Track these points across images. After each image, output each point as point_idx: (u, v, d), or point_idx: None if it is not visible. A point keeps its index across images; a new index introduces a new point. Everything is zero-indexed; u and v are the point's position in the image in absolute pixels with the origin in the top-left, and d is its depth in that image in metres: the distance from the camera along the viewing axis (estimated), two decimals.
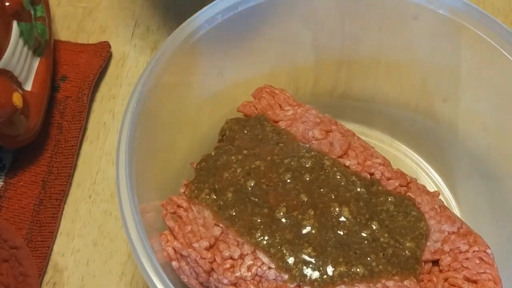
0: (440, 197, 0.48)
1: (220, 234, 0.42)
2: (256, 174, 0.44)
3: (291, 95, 0.50)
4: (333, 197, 0.43)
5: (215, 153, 0.46)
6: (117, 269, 0.50)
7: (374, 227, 0.42)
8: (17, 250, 0.47)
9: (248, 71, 0.50)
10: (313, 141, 0.46)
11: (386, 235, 0.42)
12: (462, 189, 0.52)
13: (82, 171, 0.55)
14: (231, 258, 0.41)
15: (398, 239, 0.42)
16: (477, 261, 0.42)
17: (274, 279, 0.40)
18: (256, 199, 0.43)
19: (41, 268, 0.50)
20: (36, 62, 0.55)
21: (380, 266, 0.41)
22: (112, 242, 0.51)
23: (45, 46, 0.56)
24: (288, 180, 0.44)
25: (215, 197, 0.43)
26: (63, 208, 0.53)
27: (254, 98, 0.50)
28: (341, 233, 0.42)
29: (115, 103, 0.58)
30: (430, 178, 0.53)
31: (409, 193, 0.45)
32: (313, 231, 0.42)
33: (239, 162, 0.45)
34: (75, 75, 0.58)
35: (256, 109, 0.49)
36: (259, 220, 0.42)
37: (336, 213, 0.42)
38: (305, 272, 0.40)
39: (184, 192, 0.45)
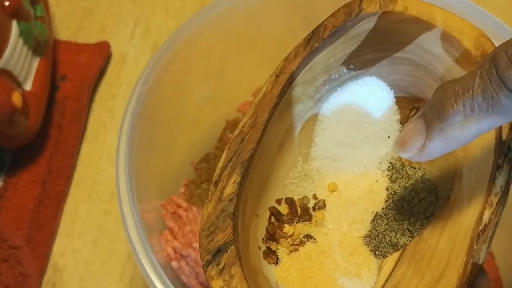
0: None
1: None
2: None
3: None
4: None
5: (215, 153, 0.46)
6: (117, 269, 0.50)
7: None
8: (17, 250, 0.47)
9: (248, 71, 0.50)
10: None
11: None
12: None
13: (82, 171, 0.55)
14: None
15: None
16: None
17: None
18: None
19: (41, 268, 0.50)
20: (36, 62, 0.55)
21: None
22: (112, 242, 0.51)
23: (44, 45, 0.56)
24: None
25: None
26: (63, 208, 0.53)
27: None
28: None
29: (115, 103, 0.58)
30: None
31: None
32: None
33: None
34: (75, 75, 0.58)
35: None
36: None
37: None
38: None
39: (184, 192, 0.45)
